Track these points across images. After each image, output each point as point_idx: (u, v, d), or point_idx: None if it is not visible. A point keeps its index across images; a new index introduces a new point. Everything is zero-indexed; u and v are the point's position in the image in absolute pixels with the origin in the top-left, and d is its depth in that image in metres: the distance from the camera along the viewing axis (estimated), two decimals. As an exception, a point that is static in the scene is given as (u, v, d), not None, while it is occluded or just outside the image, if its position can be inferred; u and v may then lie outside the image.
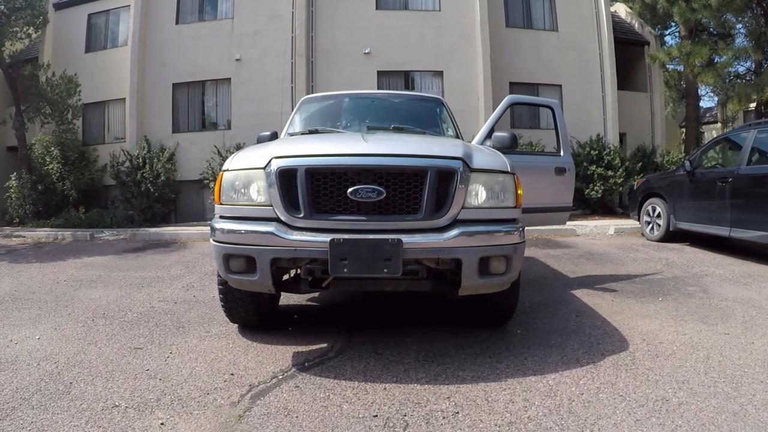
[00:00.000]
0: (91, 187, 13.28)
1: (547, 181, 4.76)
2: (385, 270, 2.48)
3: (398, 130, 3.96)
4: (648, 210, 7.87)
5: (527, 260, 6.16)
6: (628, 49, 14.81)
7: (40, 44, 14.55)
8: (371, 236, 2.50)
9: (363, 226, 2.56)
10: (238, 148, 11.90)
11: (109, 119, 14.26)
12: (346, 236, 2.49)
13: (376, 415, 2.23)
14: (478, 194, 2.70)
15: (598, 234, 8.83)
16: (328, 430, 2.12)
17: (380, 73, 12.34)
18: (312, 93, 12.30)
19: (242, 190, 2.71)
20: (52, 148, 13.18)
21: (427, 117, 4.52)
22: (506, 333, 3.36)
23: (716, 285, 4.75)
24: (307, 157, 2.65)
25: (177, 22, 13.31)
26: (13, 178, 12.96)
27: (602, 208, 11.90)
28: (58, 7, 14.65)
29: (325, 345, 3.13)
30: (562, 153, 4.91)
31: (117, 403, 2.39)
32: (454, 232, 2.56)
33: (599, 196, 11.55)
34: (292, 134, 4.20)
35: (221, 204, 2.78)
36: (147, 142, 12.83)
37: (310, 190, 2.56)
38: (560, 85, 13.10)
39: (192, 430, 2.14)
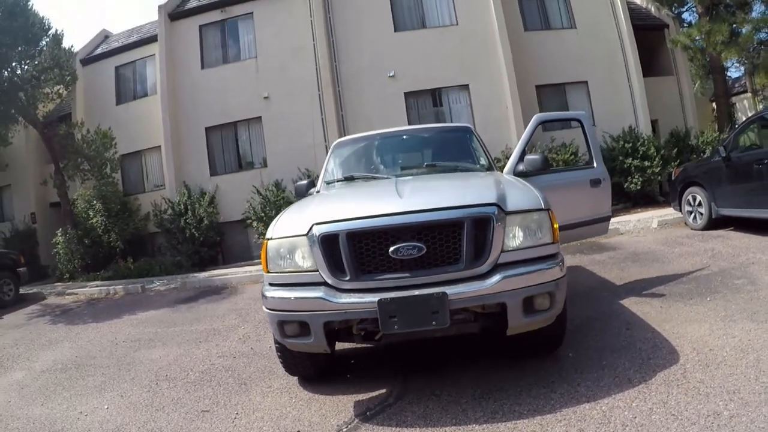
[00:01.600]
0: (137, 237, 13.63)
1: (584, 194, 4.81)
2: (433, 323, 2.58)
3: (431, 167, 4.14)
4: (689, 199, 7.78)
5: (574, 270, 6.18)
6: (649, 35, 14.66)
7: (72, 101, 15.00)
8: (417, 292, 2.59)
9: (407, 282, 2.65)
10: (276, 185, 12.19)
11: (147, 168, 14.65)
12: (393, 295, 2.59)
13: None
14: (516, 236, 2.76)
15: (642, 229, 8.74)
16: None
17: (407, 95, 12.46)
18: (342, 122, 12.55)
19: (288, 257, 2.81)
20: (95, 202, 13.54)
21: (458, 148, 4.66)
22: (558, 358, 3.37)
23: (764, 273, 4.74)
24: (346, 221, 2.73)
25: (203, 67, 13.60)
26: (59, 234, 13.31)
27: (643, 199, 11.85)
28: (85, 63, 15.13)
29: (384, 390, 3.18)
30: (595, 164, 4.92)
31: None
32: (496, 277, 2.63)
33: (639, 188, 11.52)
34: (329, 182, 4.31)
35: (269, 272, 2.87)
36: (186, 188, 13.14)
37: (352, 253, 2.66)
38: (586, 81, 13.06)
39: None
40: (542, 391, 2.89)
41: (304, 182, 4.62)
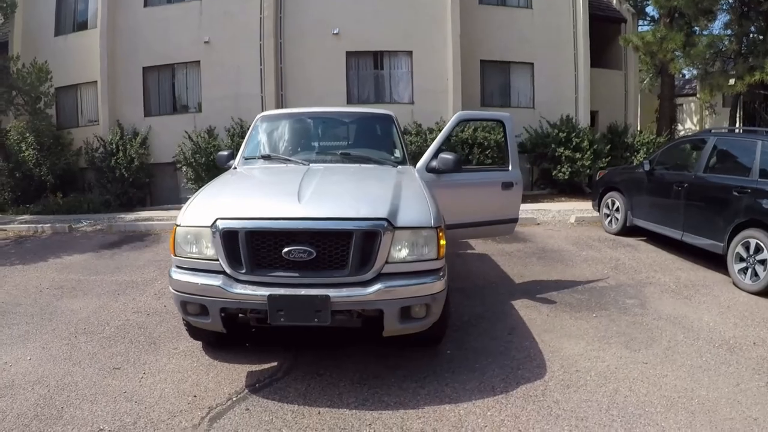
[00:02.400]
0: (68, 172, 13.29)
1: (494, 196, 4.93)
2: (315, 320, 2.83)
3: (345, 156, 4.34)
4: (608, 203, 7.92)
5: (480, 260, 6.33)
6: (605, 26, 14.72)
7: (10, 30, 14.41)
8: (303, 291, 2.81)
9: (296, 281, 2.87)
10: (209, 131, 12.03)
11: (83, 102, 14.20)
12: (282, 291, 2.81)
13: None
14: (402, 249, 2.93)
15: (559, 223, 8.85)
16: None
17: (349, 54, 12.29)
18: (280, 75, 12.37)
19: (193, 244, 3.02)
20: (27, 135, 13.19)
21: (376, 136, 4.91)
22: (438, 354, 3.56)
23: (656, 297, 4.85)
24: (246, 219, 2.92)
25: (145, 5, 13.13)
26: (-11, 164, 13.03)
27: (570, 189, 11.99)
28: (25, -10, 14.47)
29: (275, 364, 3.42)
30: (510, 167, 5.02)
31: (101, 427, 2.71)
32: (376, 287, 2.82)
33: (567, 177, 11.62)
34: (247, 158, 4.52)
35: (176, 256, 3.07)
36: (120, 127, 12.85)
37: (249, 249, 2.86)
38: (532, 63, 13.07)
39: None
40: (412, 386, 3.11)
41: (225, 153, 4.79)
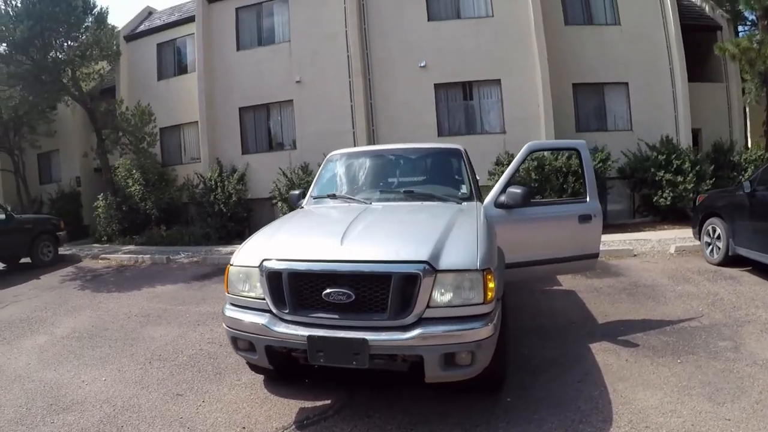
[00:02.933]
0: (172, 206, 14.24)
1: (570, 230, 4.63)
2: (354, 362, 2.81)
3: (408, 194, 4.27)
4: (708, 230, 7.30)
5: (566, 296, 6.04)
6: (699, 36, 13.90)
7: (117, 75, 15.65)
8: (342, 334, 2.81)
9: (336, 323, 2.87)
10: (303, 168, 12.45)
11: (185, 141, 15.24)
12: (321, 333, 2.84)
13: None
14: (445, 293, 2.80)
15: (657, 254, 8.30)
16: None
17: (437, 86, 12.34)
18: (370, 110, 12.62)
19: (245, 283, 3.14)
20: (134, 172, 14.24)
21: (443, 172, 4.79)
22: (496, 401, 3.35)
23: (753, 339, 4.32)
24: (289, 261, 3.00)
25: (238, 49, 13.87)
26: (100, 199, 14.22)
27: (673, 215, 11.39)
28: (129, 39, 15.76)
29: (329, 402, 3.45)
30: (588, 198, 4.72)
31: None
32: (415, 332, 2.74)
33: (668, 203, 11.05)
34: (315, 198, 4.64)
35: (229, 293, 3.21)
36: (219, 164, 13.61)
37: (292, 290, 2.94)
38: (627, 83, 12.54)
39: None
40: (462, 435, 2.98)
41: (296, 192, 5.03)
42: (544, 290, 6.33)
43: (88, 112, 13.58)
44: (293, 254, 3.08)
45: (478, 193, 4.49)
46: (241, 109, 13.88)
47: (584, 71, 12.50)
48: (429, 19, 12.51)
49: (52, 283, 8.79)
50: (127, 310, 6.45)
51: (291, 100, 13.32)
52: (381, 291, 2.80)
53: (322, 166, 5.03)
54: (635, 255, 8.34)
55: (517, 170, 4.81)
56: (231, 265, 3.21)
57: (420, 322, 2.78)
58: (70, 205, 16.50)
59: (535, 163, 10.68)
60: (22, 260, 10.85)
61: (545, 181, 10.61)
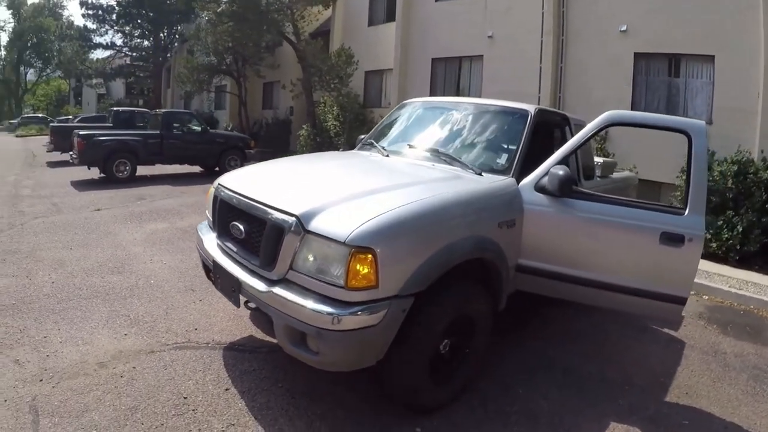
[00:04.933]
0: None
1: (644, 250, 3.18)
2: (231, 299, 2.94)
3: (434, 153, 3.76)
4: None
5: (660, 350, 4.23)
6: None
7: (332, 19, 17.26)
8: (228, 266, 2.93)
9: (234, 255, 2.98)
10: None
11: (386, 86, 16.46)
12: (221, 260, 3.03)
13: None
14: (307, 259, 2.50)
15: None
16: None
17: (637, 56, 11.03)
18: (559, 75, 12.05)
19: (209, 204, 3.49)
20: (334, 108, 16.00)
21: (494, 135, 3.88)
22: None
23: None
24: (223, 188, 3.23)
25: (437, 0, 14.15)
26: (303, 128, 16.41)
27: None
28: (346, -16, 17.07)
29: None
30: (687, 210, 3.14)
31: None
32: (270, 288, 2.57)
33: None
34: (361, 143, 4.54)
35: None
36: (404, 111, 14.48)
37: (217, 215, 3.22)
38: None
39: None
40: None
41: (362, 136, 4.78)
42: (641, 329, 4.59)
43: (297, 52, 15.54)
44: (228, 183, 3.26)
45: (516, 169, 3.46)
46: (433, 60, 14.34)
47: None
48: (641, -22, 11.11)
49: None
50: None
51: (481, 56, 13.28)
52: (258, 236, 2.73)
53: (391, 111, 4.79)
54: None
55: (580, 145, 3.42)
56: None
57: (283, 281, 2.58)
58: (281, 130, 19.29)
59: (735, 167, 8.06)
60: (217, 169, 13.03)
61: (745, 195, 7.78)
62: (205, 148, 13.07)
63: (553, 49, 11.89)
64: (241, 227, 2.84)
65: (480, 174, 3.40)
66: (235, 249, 2.96)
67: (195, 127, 13.08)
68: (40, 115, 42.35)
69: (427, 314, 2.61)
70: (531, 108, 3.87)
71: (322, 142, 15.85)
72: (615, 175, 5.51)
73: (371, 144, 4.21)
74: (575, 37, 11.79)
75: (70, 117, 25.75)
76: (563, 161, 3.33)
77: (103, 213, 8.00)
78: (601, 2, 11.43)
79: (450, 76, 14.35)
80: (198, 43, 20.35)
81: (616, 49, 11.26)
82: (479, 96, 13.28)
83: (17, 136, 30.35)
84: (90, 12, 32.28)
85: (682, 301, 3.17)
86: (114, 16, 32.18)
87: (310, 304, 2.40)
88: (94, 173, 11.86)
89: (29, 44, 54.35)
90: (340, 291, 2.37)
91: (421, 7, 14.47)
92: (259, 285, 2.64)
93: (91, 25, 33.57)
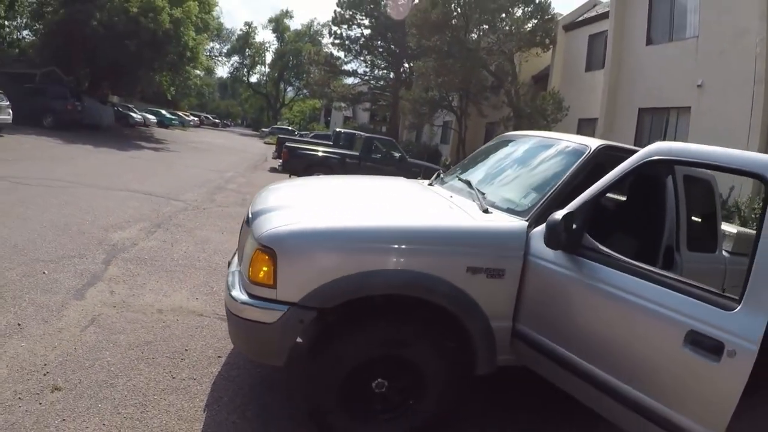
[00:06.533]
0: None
1: (661, 352, 2.10)
2: None
3: (467, 184, 3.37)
4: None
5: None
6: None
7: (551, 62, 16.94)
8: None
9: None
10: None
11: (593, 134, 15.37)
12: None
13: None
14: (245, 250, 2.72)
15: None
16: None
17: None
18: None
19: None
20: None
21: (534, 172, 3.33)
22: None
23: None
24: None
25: (647, 43, 12.52)
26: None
27: None
28: (567, 28, 16.49)
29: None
30: (740, 303, 1.88)
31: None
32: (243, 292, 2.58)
33: None
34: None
35: None
36: (603, 166, 13.40)
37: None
38: None
39: None
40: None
41: None
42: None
43: (506, 92, 15.94)
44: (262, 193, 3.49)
45: (542, 209, 2.76)
46: (640, 110, 12.78)
47: None
48: None
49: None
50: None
51: (689, 107, 11.25)
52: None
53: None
54: None
55: (607, 189, 2.46)
56: None
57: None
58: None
59: None
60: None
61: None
62: (400, 174, 14.57)
63: (764, 99, 9.49)
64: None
65: (486, 211, 2.85)
66: None
67: (395, 153, 13.77)
68: (289, 127, 46.54)
69: (340, 337, 2.50)
70: (593, 143, 3.06)
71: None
72: None
73: (438, 175, 4.13)
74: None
75: (295, 131, 29.53)
76: (584, 207, 2.41)
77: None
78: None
79: (656, 128, 12.55)
80: (420, 77, 21.46)
81: None
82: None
83: (265, 143, 33.76)
84: (336, 42, 34.85)
85: None
86: (358, 47, 34.40)
87: (234, 290, 2.55)
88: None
89: (289, 65, 60.41)
90: (246, 282, 2.48)
91: (632, 51, 12.98)
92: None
93: (336, 53, 36.15)
